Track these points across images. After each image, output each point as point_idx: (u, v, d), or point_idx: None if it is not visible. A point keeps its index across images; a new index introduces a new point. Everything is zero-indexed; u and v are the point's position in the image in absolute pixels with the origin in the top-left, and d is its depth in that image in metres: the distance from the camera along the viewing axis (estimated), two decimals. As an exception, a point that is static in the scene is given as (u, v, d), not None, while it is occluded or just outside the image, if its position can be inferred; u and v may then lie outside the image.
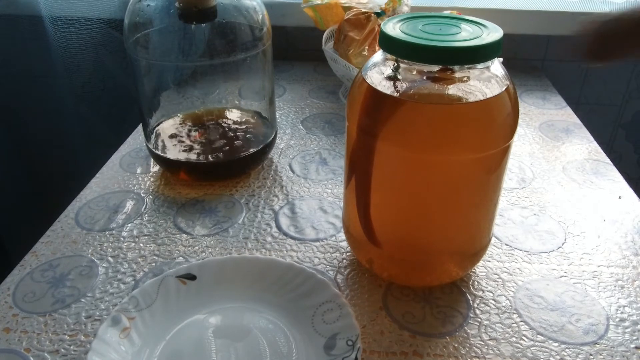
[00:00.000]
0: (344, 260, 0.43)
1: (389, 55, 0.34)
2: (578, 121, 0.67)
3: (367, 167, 0.35)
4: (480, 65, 0.32)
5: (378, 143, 0.33)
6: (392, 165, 0.34)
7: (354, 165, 0.37)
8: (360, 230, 0.38)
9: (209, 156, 0.53)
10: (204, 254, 0.44)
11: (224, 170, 0.53)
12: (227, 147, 0.53)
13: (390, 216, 0.37)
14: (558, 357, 0.35)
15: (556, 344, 0.36)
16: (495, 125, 0.33)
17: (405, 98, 0.33)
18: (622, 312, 0.38)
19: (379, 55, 0.35)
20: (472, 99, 0.32)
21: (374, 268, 0.41)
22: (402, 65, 0.33)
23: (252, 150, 0.53)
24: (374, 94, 0.33)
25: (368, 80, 0.34)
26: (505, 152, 0.34)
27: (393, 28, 0.32)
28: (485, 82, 0.33)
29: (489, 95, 0.32)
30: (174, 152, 0.53)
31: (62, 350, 0.35)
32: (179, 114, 0.58)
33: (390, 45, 0.32)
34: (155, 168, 0.56)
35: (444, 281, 0.40)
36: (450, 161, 0.33)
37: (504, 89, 0.33)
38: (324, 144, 0.61)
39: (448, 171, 0.34)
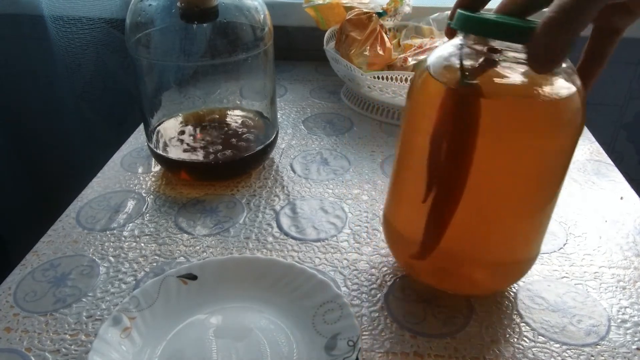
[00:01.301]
0: (345, 261, 0.43)
1: (459, 49, 0.32)
2: (579, 122, 0.66)
3: (457, 175, 0.33)
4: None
5: (477, 144, 0.31)
6: (491, 165, 0.32)
7: (437, 174, 0.34)
8: (414, 233, 0.36)
9: (210, 156, 0.53)
10: (205, 253, 0.44)
11: (225, 170, 0.53)
12: (228, 147, 0.53)
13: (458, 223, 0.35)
14: (559, 358, 0.35)
15: (557, 345, 0.36)
16: (571, 120, 0.32)
17: (500, 94, 0.31)
18: (623, 314, 0.38)
19: (447, 49, 0.33)
20: (554, 91, 0.31)
21: (415, 273, 0.40)
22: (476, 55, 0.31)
23: (253, 150, 0.53)
24: (459, 95, 0.31)
25: (442, 80, 0.32)
26: (572, 152, 0.33)
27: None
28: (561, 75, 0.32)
29: (566, 90, 0.31)
30: (175, 152, 0.53)
31: (63, 349, 0.35)
32: (180, 114, 0.58)
33: (494, 29, 0.29)
34: (156, 168, 0.56)
35: (489, 292, 0.40)
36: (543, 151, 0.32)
37: (576, 83, 0.31)
38: (325, 144, 0.61)
39: (531, 166, 0.32)
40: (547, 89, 0.30)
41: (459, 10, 0.31)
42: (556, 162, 0.33)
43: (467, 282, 0.39)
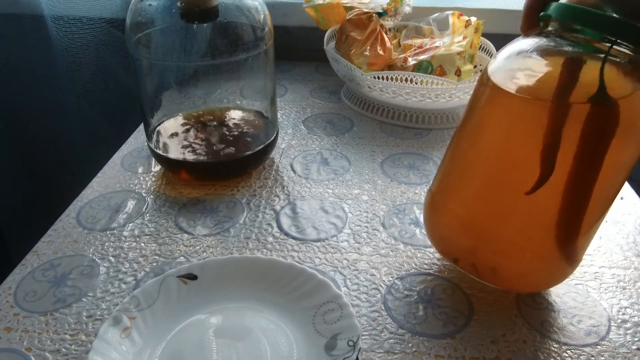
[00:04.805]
0: (345, 261, 0.43)
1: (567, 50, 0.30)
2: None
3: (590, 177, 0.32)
4: None
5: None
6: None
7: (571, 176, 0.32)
8: (475, 221, 0.36)
9: (210, 156, 0.53)
10: (205, 253, 0.44)
11: (225, 170, 0.53)
12: (229, 147, 0.53)
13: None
14: (559, 358, 0.35)
15: (557, 345, 0.36)
16: None
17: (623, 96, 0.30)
18: (623, 314, 0.38)
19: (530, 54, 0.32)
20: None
21: (465, 265, 0.39)
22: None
23: (253, 150, 0.53)
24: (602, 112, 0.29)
25: (543, 96, 0.31)
26: None
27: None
28: None
29: None
30: (175, 152, 0.53)
31: (63, 349, 0.35)
32: (180, 114, 0.58)
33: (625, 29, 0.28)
34: (156, 168, 0.56)
35: (536, 290, 0.40)
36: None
37: None
38: (325, 144, 0.61)
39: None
40: None
41: (563, 2, 0.30)
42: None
43: (520, 278, 0.38)
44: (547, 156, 0.32)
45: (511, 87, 0.32)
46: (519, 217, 0.35)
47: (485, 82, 0.34)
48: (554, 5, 0.31)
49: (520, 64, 0.33)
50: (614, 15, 0.28)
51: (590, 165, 0.31)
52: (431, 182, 0.41)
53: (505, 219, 0.36)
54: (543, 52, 0.32)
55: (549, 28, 0.32)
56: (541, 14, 0.32)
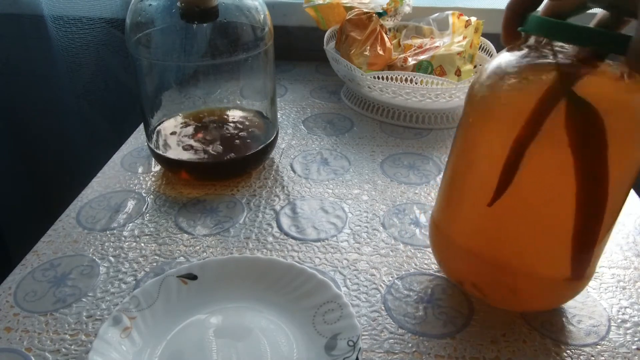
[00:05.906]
0: (345, 261, 0.43)
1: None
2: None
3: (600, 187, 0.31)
4: None
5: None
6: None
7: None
8: (477, 247, 0.35)
9: (210, 156, 0.53)
10: (205, 253, 0.44)
11: (225, 170, 0.53)
12: (229, 147, 0.53)
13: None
14: (559, 358, 0.35)
15: (557, 345, 0.36)
16: None
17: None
18: (623, 314, 0.38)
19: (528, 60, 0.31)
20: None
21: (471, 289, 0.39)
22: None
23: (253, 150, 0.53)
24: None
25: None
26: None
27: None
28: None
29: None
30: (175, 152, 0.53)
31: (63, 349, 0.35)
32: (180, 114, 0.58)
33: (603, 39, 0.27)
34: (156, 168, 0.56)
35: (544, 309, 0.39)
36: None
37: None
38: (325, 144, 0.61)
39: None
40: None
41: (537, 16, 0.29)
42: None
43: (526, 299, 0.37)
44: (507, 170, 0.31)
45: (495, 112, 0.32)
46: (529, 241, 0.34)
47: (470, 105, 0.34)
48: (531, 19, 0.30)
49: (501, 85, 0.32)
50: (591, 26, 0.28)
51: (595, 177, 0.30)
52: (433, 204, 0.40)
53: (515, 245, 0.34)
54: (523, 70, 0.31)
55: (530, 41, 0.31)
56: (519, 28, 0.31)
